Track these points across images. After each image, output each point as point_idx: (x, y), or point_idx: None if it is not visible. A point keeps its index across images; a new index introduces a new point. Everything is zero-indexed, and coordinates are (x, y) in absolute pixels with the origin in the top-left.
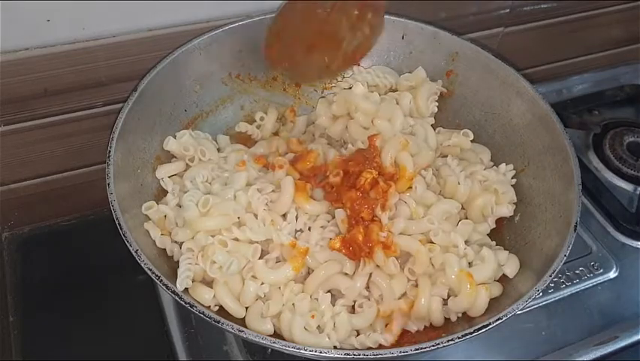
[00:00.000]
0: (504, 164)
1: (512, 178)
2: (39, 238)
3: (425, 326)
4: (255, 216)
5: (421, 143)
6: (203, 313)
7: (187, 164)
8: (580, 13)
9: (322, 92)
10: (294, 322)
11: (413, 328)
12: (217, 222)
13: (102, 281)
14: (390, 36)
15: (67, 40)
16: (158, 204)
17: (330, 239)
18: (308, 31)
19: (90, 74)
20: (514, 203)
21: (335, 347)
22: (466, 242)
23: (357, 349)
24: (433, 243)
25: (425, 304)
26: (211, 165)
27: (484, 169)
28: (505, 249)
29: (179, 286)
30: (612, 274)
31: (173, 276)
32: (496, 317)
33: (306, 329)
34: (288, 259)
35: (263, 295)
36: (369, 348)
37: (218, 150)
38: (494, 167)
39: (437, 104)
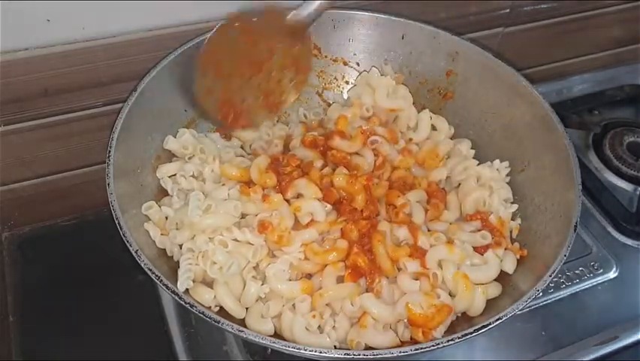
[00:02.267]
0: (498, 160)
1: (507, 176)
2: (39, 238)
3: None
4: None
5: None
6: (203, 313)
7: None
8: (580, 13)
9: (322, 92)
10: (295, 322)
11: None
12: (218, 219)
13: (102, 281)
14: (390, 36)
15: (67, 41)
16: (158, 204)
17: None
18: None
19: (90, 74)
20: (510, 202)
21: (335, 347)
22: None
23: (357, 349)
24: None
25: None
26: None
27: (478, 164)
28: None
29: (181, 287)
30: (612, 274)
31: (173, 276)
32: (496, 317)
33: (307, 329)
34: (299, 282)
35: (263, 296)
36: (369, 348)
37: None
38: (488, 163)
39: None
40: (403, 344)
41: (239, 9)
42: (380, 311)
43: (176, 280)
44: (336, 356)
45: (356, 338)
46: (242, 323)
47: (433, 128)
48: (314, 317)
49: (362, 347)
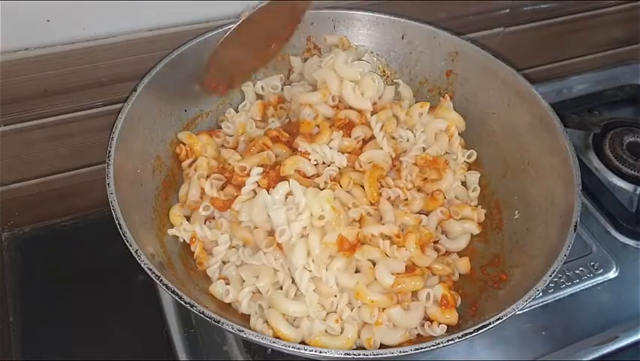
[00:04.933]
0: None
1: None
2: (39, 238)
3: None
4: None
5: None
6: (203, 313)
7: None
8: (580, 13)
9: None
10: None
11: None
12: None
13: (102, 281)
14: (390, 36)
15: (67, 41)
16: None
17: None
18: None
19: (90, 74)
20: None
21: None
22: None
23: (357, 349)
24: None
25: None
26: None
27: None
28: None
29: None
30: (612, 274)
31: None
32: (496, 317)
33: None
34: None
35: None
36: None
37: None
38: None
39: None
40: (403, 344)
41: (239, 9)
42: (404, 320)
43: (176, 280)
44: (336, 356)
45: (371, 336)
46: (242, 322)
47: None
48: (337, 321)
49: (377, 345)
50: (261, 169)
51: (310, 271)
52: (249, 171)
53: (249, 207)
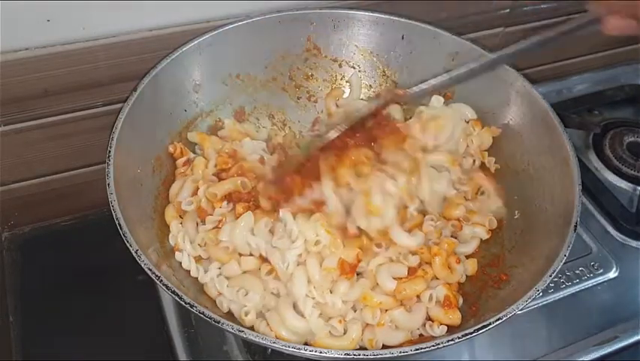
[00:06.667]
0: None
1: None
2: (39, 238)
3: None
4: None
5: None
6: (203, 313)
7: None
8: (580, 13)
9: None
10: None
11: None
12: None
13: (102, 281)
14: (391, 36)
15: (67, 41)
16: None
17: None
18: None
19: (90, 74)
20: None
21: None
22: None
23: (358, 349)
24: None
25: None
26: None
27: None
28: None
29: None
30: (612, 274)
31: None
32: (496, 317)
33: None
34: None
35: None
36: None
37: None
38: None
39: None
40: (403, 344)
41: (239, 9)
42: (406, 321)
43: (176, 280)
44: (336, 356)
45: (373, 337)
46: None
47: None
48: (340, 322)
49: (380, 346)
50: (225, 204)
51: (314, 298)
52: (219, 199)
53: (231, 228)
